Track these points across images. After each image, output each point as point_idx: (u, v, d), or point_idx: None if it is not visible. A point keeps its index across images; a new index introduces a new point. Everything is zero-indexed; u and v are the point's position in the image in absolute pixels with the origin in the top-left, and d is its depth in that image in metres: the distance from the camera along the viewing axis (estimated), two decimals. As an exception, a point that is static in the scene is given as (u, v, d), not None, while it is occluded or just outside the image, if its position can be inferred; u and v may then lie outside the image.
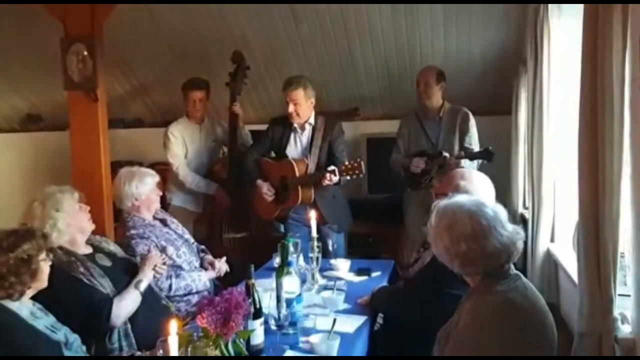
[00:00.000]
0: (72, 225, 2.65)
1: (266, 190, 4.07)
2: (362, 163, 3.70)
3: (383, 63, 5.09)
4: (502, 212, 1.86)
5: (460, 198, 1.91)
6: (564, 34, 3.18)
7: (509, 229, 1.84)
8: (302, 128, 4.08)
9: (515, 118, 4.38)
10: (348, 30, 4.77)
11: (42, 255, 2.18)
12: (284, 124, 4.12)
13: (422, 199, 4.21)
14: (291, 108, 3.95)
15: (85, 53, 3.68)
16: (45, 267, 2.19)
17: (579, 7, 2.15)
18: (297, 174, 3.96)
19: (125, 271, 2.79)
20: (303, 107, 3.97)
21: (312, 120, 4.07)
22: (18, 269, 2.09)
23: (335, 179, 3.73)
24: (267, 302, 2.46)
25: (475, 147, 4.17)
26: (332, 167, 3.74)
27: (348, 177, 3.75)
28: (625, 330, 2.02)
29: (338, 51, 5.01)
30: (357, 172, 3.69)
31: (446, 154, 4.08)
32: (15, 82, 5.98)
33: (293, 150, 4.10)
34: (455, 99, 4.56)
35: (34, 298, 2.24)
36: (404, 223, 4.41)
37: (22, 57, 5.56)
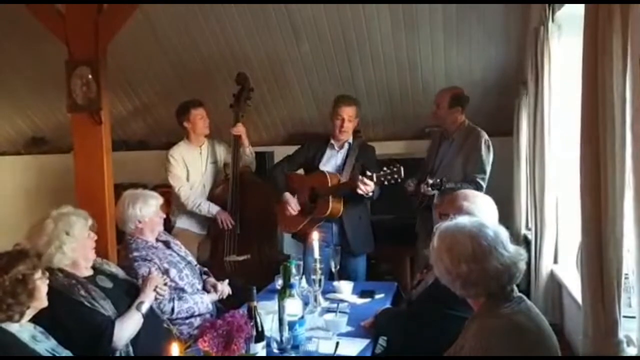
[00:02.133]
0: (77, 250, 2.64)
1: (293, 206, 4.05)
2: (402, 167, 3.64)
3: (384, 84, 5.12)
4: (503, 233, 1.85)
5: (461, 219, 1.91)
6: (564, 55, 3.20)
7: (511, 250, 1.83)
8: (341, 147, 4.11)
9: (517, 139, 4.39)
10: (349, 52, 4.81)
11: (38, 274, 2.17)
12: (320, 142, 4.17)
13: (426, 220, 4.19)
14: (345, 124, 3.99)
15: (90, 76, 3.69)
16: (42, 286, 2.19)
17: (579, 28, 2.17)
18: (330, 184, 3.93)
19: (127, 292, 2.78)
20: (352, 125, 4.04)
21: (350, 140, 4.11)
22: (14, 290, 2.09)
23: (371, 185, 3.68)
24: (270, 325, 2.45)
25: (479, 174, 3.95)
26: (369, 173, 3.71)
27: (386, 183, 3.68)
28: (630, 352, 2.00)
29: (340, 72, 5.05)
30: (395, 176, 3.62)
31: (429, 180, 3.89)
32: (20, 105, 6.03)
33: (327, 167, 4.10)
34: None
35: (35, 321, 2.23)
36: (417, 244, 4.31)
37: (27, 80, 5.61)
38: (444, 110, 4.13)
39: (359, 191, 3.70)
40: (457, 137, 4.16)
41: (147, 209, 3.16)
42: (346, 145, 4.11)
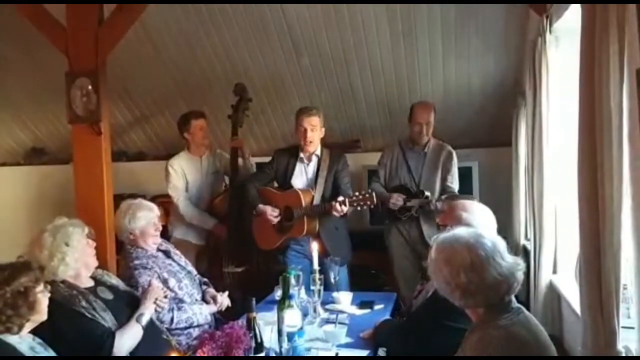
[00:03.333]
0: (79, 260, 2.65)
1: (270, 212, 4.03)
2: (374, 194, 3.72)
3: (383, 95, 5.14)
4: (500, 243, 1.86)
5: (458, 230, 1.92)
6: (561, 66, 3.22)
7: (508, 260, 1.83)
8: (309, 159, 4.08)
9: (516, 149, 4.40)
10: (348, 63, 4.83)
11: (40, 287, 2.17)
12: (289, 154, 4.13)
13: (399, 229, 4.24)
14: (309, 134, 3.96)
15: (90, 87, 3.71)
16: (43, 299, 2.18)
17: (576, 39, 2.18)
18: (303, 204, 3.94)
19: (127, 304, 2.79)
20: (317, 135, 4.01)
21: (318, 152, 4.08)
22: (15, 302, 2.08)
23: (345, 209, 3.72)
24: (269, 336, 2.45)
25: (455, 187, 4.20)
26: (341, 198, 3.73)
27: (359, 208, 3.75)
28: (630, 363, 2.00)
29: (339, 84, 5.07)
30: (368, 202, 3.68)
31: (428, 194, 4.11)
32: (20, 115, 6.05)
33: (299, 180, 4.09)
34: (456, 131, 4.59)
35: (35, 332, 2.23)
36: (389, 255, 4.38)
37: (27, 91, 5.63)
38: (432, 125, 4.27)
39: (333, 212, 3.76)
40: (430, 150, 4.30)
41: (136, 222, 3.15)
42: (314, 158, 4.08)
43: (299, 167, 4.10)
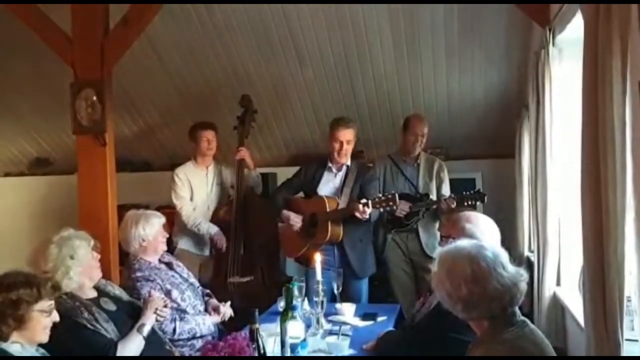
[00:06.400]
0: (83, 273, 2.64)
1: (294, 217, 4.02)
2: (397, 195, 3.70)
3: (386, 105, 5.16)
4: (502, 254, 1.85)
5: (460, 242, 1.91)
6: (565, 78, 3.22)
7: (510, 271, 1.83)
8: (338, 169, 4.07)
9: (519, 161, 4.40)
10: (352, 74, 4.85)
11: (39, 306, 2.11)
12: (317, 164, 4.13)
13: (396, 241, 4.31)
14: (345, 147, 3.94)
15: (95, 98, 3.73)
16: (40, 319, 2.12)
17: (580, 52, 2.19)
18: (328, 209, 3.92)
19: (130, 315, 2.78)
20: (351, 147, 4.00)
21: (348, 163, 4.08)
22: (4, 310, 2.05)
23: (368, 211, 3.69)
24: (272, 348, 2.44)
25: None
26: (364, 200, 3.71)
27: (381, 210, 3.73)
28: (633, 376, 1.99)
29: (342, 95, 5.09)
30: (391, 203, 3.66)
31: (432, 196, 4.18)
32: (24, 126, 6.07)
33: (325, 189, 4.06)
34: (459, 142, 4.59)
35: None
36: (386, 267, 4.37)
37: (32, 102, 5.66)
38: (426, 136, 4.32)
39: (357, 215, 3.72)
40: (422, 161, 4.38)
41: (150, 229, 3.16)
42: (344, 168, 4.07)
43: (326, 176, 4.08)
